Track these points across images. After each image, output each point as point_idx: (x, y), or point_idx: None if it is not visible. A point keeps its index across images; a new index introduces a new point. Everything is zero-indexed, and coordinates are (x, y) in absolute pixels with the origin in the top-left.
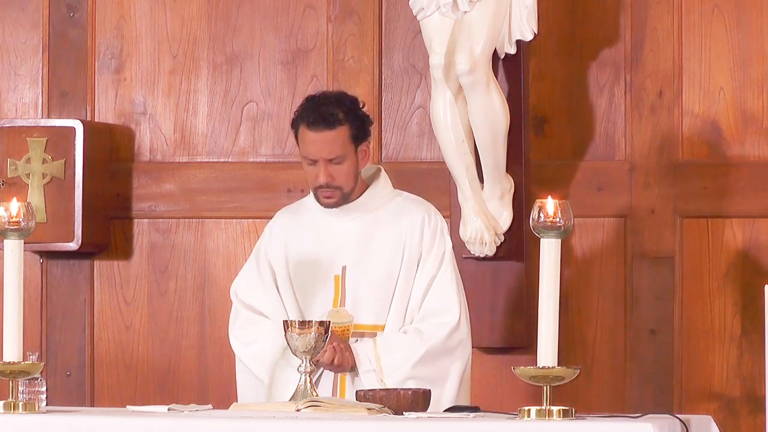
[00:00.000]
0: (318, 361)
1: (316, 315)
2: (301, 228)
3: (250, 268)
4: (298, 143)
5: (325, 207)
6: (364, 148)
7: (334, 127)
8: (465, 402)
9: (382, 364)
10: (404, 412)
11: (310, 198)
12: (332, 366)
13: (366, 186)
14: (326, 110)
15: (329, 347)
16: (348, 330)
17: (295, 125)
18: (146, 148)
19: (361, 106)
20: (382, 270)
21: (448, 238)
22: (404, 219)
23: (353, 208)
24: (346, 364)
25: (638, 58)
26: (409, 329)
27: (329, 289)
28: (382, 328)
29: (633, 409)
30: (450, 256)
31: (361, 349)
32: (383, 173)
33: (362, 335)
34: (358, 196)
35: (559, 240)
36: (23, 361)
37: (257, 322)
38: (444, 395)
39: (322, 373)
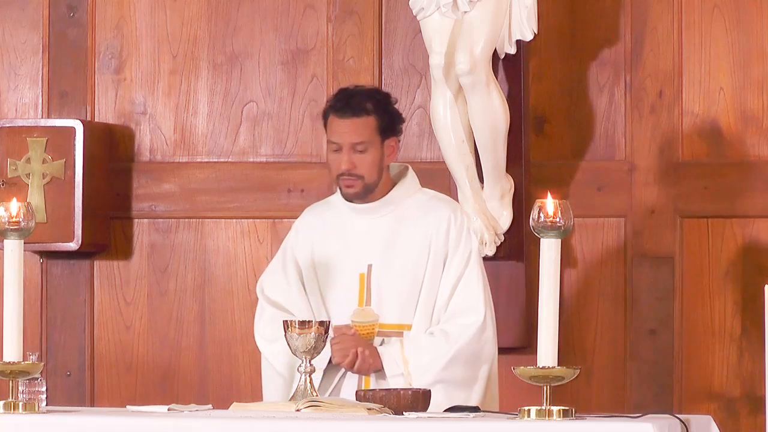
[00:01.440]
0: (339, 363)
1: (341, 313)
2: (327, 226)
3: (276, 265)
4: (326, 132)
5: (346, 198)
6: (391, 143)
7: (360, 115)
8: (493, 403)
9: (410, 369)
10: (404, 412)
11: (337, 195)
12: (352, 371)
13: (393, 184)
14: (356, 100)
15: (351, 352)
16: (373, 329)
17: (325, 115)
18: (146, 148)
19: (393, 102)
20: (407, 268)
21: (474, 237)
22: (430, 217)
23: (379, 206)
24: (367, 370)
25: (638, 58)
26: (435, 331)
27: (354, 287)
28: (408, 327)
29: (633, 409)
30: (477, 255)
31: (387, 352)
32: (411, 172)
33: (387, 334)
34: (385, 194)
35: (559, 240)
36: (23, 361)
37: (281, 319)
38: (472, 397)
39: (345, 373)
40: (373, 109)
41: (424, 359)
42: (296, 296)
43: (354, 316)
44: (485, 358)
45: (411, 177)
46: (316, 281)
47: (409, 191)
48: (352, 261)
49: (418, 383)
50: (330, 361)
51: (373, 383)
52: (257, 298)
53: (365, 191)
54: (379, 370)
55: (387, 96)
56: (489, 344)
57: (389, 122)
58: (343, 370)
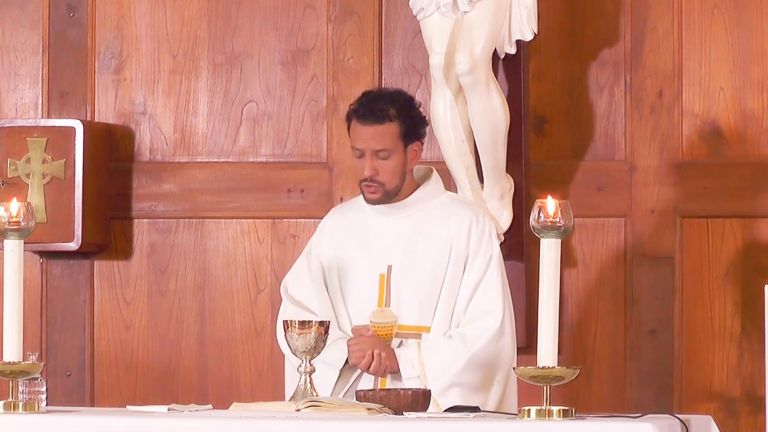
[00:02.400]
0: (356, 364)
1: (361, 314)
2: (349, 226)
3: (301, 265)
4: (350, 136)
5: (368, 203)
6: (414, 148)
7: (383, 122)
8: (511, 408)
9: (426, 371)
10: (404, 412)
11: (362, 197)
12: (369, 372)
13: (416, 186)
14: (378, 106)
15: (368, 354)
16: (392, 330)
17: (348, 119)
18: (146, 148)
19: (417, 105)
20: (428, 271)
21: (496, 241)
22: (452, 220)
23: (402, 208)
24: (384, 371)
25: (638, 58)
26: (453, 334)
27: (374, 288)
28: (427, 329)
29: (633, 409)
30: (498, 259)
31: (404, 354)
32: (435, 174)
33: (406, 336)
34: (408, 196)
35: (559, 240)
36: (23, 361)
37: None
38: (489, 401)
39: (361, 374)
40: (396, 114)
41: (441, 362)
42: (318, 296)
43: (373, 316)
44: (502, 363)
45: (435, 180)
46: (337, 281)
47: (433, 194)
48: (373, 261)
49: (434, 386)
50: (346, 362)
51: (389, 384)
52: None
53: (386, 197)
54: (396, 372)
55: (410, 100)
56: (507, 348)
57: (412, 127)
58: (359, 370)
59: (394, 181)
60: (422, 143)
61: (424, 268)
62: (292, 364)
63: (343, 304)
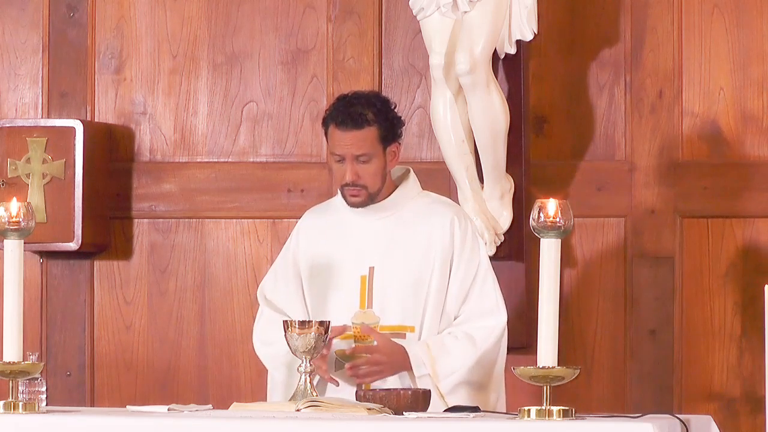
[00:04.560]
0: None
1: (343, 315)
2: (328, 227)
3: (277, 267)
4: (327, 141)
5: (351, 206)
6: (393, 149)
7: (362, 127)
8: (501, 404)
9: (438, 369)
10: (404, 412)
11: (339, 197)
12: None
13: (395, 186)
14: (355, 110)
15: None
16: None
17: (325, 124)
18: (146, 148)
19: (392, 107)
20: (410, 271)
21: (480, 239)
22: (434, 220)
23: (381, 208)
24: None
25: (638, 58)
26: (458, 334)
27: (356, 289)
28: (410, 329)
29: (633, 409)
30: (486, 257)
31: (413, 352)
32: (412, 174)
33: (389, 336)
34: (387, 196)
35: (559, 240)
36: (23, 361)
37: (276, 322)
38: (490, 398)
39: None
40: (374, 118)
41: (451, 360)
42: (294, 299)
43: (354, 318)
44: (502, 361)
45: (412, 180)
46: (317, 283)
47: (411, 194)
48: (354, 263)
49: (444, 383)
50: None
51: (329, 393)
52: (257, 298)
53: (370, 199)
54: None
55: (386, 102)
56: (504, 347)
57: (390, 129)
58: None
59: (377, 184)
60: (400, 144)
61: (407, 269)
62: (271, 376)
63: (324, 306)
